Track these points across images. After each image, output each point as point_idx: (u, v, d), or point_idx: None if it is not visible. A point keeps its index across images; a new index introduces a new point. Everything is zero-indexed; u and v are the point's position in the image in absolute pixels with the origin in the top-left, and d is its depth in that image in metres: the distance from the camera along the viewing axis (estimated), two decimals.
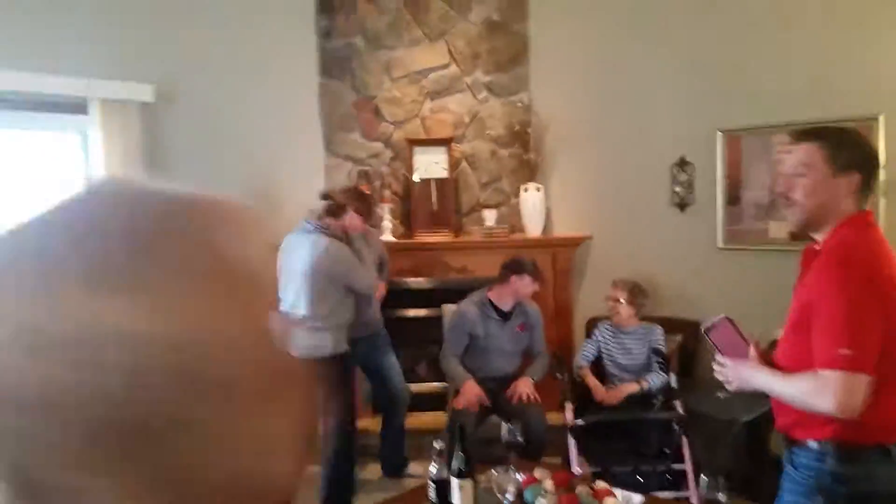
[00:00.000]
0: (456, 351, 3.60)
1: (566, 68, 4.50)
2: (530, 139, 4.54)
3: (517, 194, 4.57)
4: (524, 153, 4.57)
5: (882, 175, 3.38)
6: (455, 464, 2.38)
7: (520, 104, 4.61)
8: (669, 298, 3.98)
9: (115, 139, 3.76)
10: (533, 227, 4.50)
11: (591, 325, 4.08)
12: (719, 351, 1.84)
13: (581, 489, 2.28)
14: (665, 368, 3.46)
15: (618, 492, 2.29)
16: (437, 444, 2.46)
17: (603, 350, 3.71)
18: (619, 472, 2.96)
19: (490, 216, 4.50)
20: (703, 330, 1.91)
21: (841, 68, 3.50)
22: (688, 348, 3.77)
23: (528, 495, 2.29)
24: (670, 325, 3.75)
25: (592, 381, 3.55)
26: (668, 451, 3.12)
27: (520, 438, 2.53)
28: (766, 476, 3.19)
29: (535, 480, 2.36)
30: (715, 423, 3.24)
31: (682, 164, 4.05)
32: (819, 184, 1.67)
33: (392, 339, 3.88)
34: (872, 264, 1.60)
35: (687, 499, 2.91)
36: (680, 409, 3.19)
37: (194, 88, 4.12)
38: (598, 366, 3.73)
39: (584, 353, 3.74)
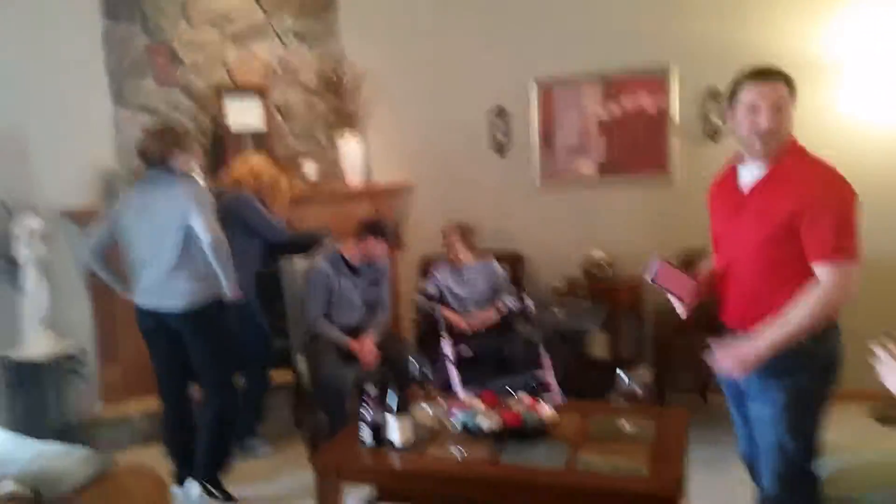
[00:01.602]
0: (322, 311, 3.57)
1: (378, 16, 4.58)
2: (345, 88, 4.47)
3: (334, 145, 4.49)
4: (340, 103, 4.49)
5: (676, 119, 4.00)
6: (390, 403, 2.38)
7: (332, 53, 4.51)
8: (494, 234, 4.29)
9: None
10: (353, 178, 4.47)
11: (427, 264, 4.23)
12: (669, 292, 2.10)
13: (515, 405, 2.43)
14: (523, 293, 3.76)
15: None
16: (370, 389, 2.43)
17: (444, 288, 3.88)
18: (491, 387, 3.15)
19: (310, 168, 4.37)
20: (649, 279, 2.12)
21: (640, 22, 4.03)
22: (514, 277, 4.09)
23: (468, 419, 2.38)
24: (498, 259, 4.03)
25: (451, 313, 3.74)
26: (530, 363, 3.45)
27: None
28: (588, 376, 3.67)
29: (465, 406, 2.46)
30: (562, 334, 3.58)
31: (500, 111, 4.33)
32: (788, 118, 1.99)
33: None
34: (836, 173, 1.97)
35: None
36: (538, 327, 3.52)
37: None
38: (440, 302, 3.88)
39: (426, 291, 3.89)
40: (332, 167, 4.53)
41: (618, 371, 2.39)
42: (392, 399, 2.38)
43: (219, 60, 4.32)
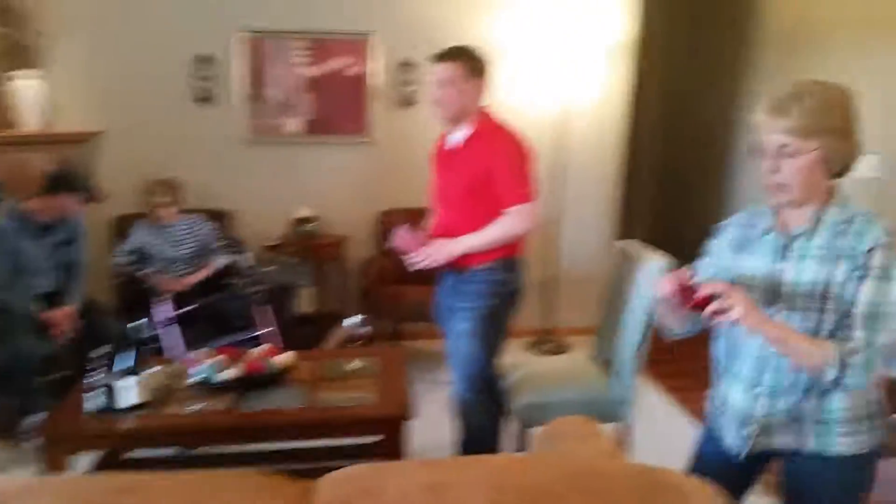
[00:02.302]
0: (5, 277, 3.23)
1: None
2: (20, 17, 3.94)
3: (6, 82, 3.95)
4: (14, 33, 3.94)
5: (376, 84, 4.33)
6: (121, 366, 2.37)
7: None
8: (200, 190, 4.22)
9: None
10: (30, 121, 3.99)
11: (123, 223, 4.02)
12: (410, 252, 2.52)
13: (254, 354, 2.57)
14: (234, 250, 3.79)
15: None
16: (98, 353, 2.39)
17: (147, 248, 3.77)
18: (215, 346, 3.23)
19: None
20: (393, 246, 2.56)
21: None
22: (225, 234, 4.11)
23: (209, 373, 2.46)
24: (205, 216, 4.02)
25: (154, 275, 3.65)
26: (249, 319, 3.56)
27: None
28: (298, 330, 3.93)
29: (205, 361, 2.53)
30: (273, 290, 3.76)
31: (205, 60, 4.22)
32: (462, 92, 2.41)
33: None
34: (515, 135, 2.50)
35: None
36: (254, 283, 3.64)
37: None
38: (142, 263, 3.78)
39: (124, 252, 3.74)
40: (3, 108, 3.96)
41: (346, 319, 2.68)
42: (123, 362, 2.34)
43: None
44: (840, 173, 1.50)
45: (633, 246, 2.90)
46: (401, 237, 2.53)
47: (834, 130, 1.42)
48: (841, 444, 1.53)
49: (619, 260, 2.95)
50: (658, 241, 3.24)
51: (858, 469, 1.56)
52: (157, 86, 4.24)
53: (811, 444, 1.55)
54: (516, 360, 3.09)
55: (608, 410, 2.71)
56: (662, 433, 3.23)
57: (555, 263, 4.56)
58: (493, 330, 2.59)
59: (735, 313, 1.40)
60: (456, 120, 2.52)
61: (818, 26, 4.15)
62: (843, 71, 3.81)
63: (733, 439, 1.66)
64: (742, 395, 1.62)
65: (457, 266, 2.56)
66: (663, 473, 1.22)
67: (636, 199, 6.34)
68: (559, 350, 4.50)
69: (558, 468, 1.22)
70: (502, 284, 2.56)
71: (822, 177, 1.47)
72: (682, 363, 3.43)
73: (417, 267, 2.52)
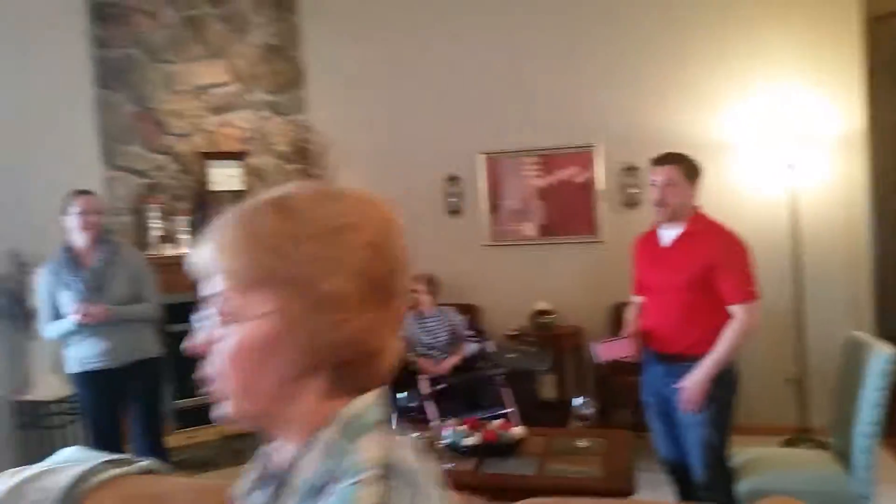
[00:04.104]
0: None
1: (343, 93, 5.20)
2: (314, 155, 5.05)
3: None
4: (309, 168, 5.06)
5: (601, 189, 4.77)
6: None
7: (302, 123, 5.09)
8: (450, 288, 4.89)
9: None
10: None
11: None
12: (620, 356, 2.85)
13: (491, 426, 3.02)
14: (480, 338, 4.36)
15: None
16: None
17: (409, 335, 4.44)
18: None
19: None
20: (597, 361, 2.94)
21: (568, 107, 4.86)
22: (471, 325, 4.70)
23: (455, 438, 2.95)
24: (458, 309, 4.63)
25: (418, 359, 4.30)
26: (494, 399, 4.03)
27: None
28: (541, 414, 4.25)
29: (452, 428, 3.03)
30: (517, 375, 4.20)
31: (452, 178, 5.01)
32: (681, 191, 2.71)
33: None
34: (733, 233, 2.74)
35: None
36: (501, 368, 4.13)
37: None
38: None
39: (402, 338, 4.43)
40: None
41: (573, 399, 3.03)
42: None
43: (200, 127, 4.82)
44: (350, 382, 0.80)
45: (862, 336, 2.91)
46: (605, 351, 2.85)
47: (297, 282, 0.75)
48: None
49: (848, 350, 2.96)
50: None
51: None
52: (419, 202, 5.10)
53: None
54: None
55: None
56: None
57: (802, 357, 4.45)
58: (725, 416, 2.74)
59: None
60: (674, 218, 2.77)
61: None
62: None
63: None
64: None
65: (673, 357, 2.76)
66: None
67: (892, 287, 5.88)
68: (819, 448, 4.27)
69: None
70: (726, 373, 2.70)
71: (278, 371, 0.77)
72: None
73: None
